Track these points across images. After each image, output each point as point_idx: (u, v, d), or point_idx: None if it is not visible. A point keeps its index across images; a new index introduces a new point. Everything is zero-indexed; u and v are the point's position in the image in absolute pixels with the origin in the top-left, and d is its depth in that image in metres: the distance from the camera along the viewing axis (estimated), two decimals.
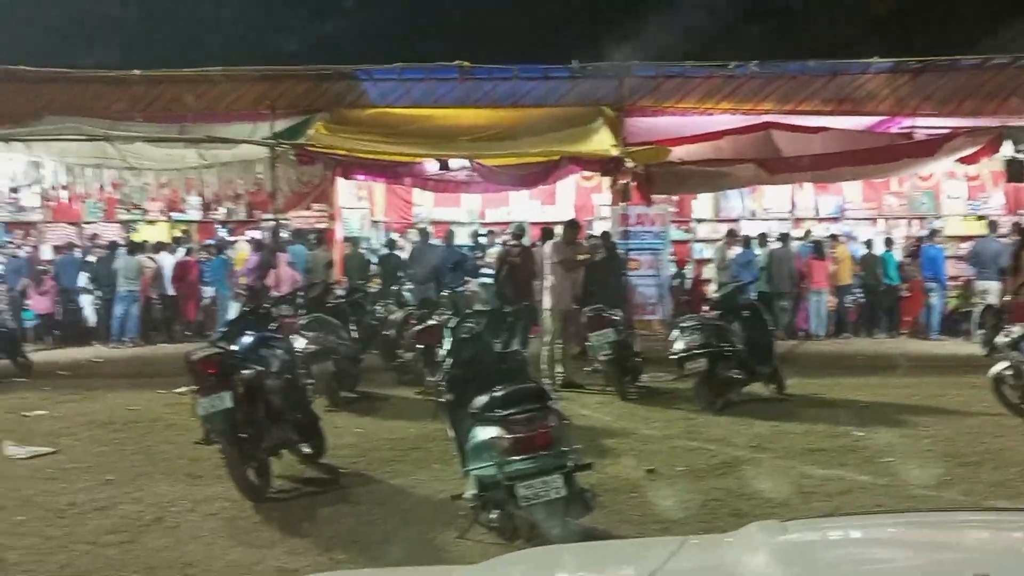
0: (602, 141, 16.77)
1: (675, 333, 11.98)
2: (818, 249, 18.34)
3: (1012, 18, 23.45)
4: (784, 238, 18.37)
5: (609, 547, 3.40)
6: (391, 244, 18.74)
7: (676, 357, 11.74)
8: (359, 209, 20.14)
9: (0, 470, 8.99)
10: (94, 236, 19.80)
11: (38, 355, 16.10)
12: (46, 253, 19.51)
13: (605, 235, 15.27)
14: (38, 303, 18.32)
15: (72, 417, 11.51)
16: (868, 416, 10.91)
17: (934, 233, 19.11)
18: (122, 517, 7.46)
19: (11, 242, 19.53)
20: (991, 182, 19.66)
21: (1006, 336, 10.25)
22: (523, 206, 20.62)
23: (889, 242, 19.11)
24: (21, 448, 9.69)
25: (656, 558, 2.09)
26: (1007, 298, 12.70)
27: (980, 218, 19.82)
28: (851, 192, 20.52)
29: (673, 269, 18.58)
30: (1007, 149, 15.50)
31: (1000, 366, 10.36)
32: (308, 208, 19.47)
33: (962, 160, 16.63)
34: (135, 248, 18.60)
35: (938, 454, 9.11)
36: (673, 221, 18.96)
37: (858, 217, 20.56)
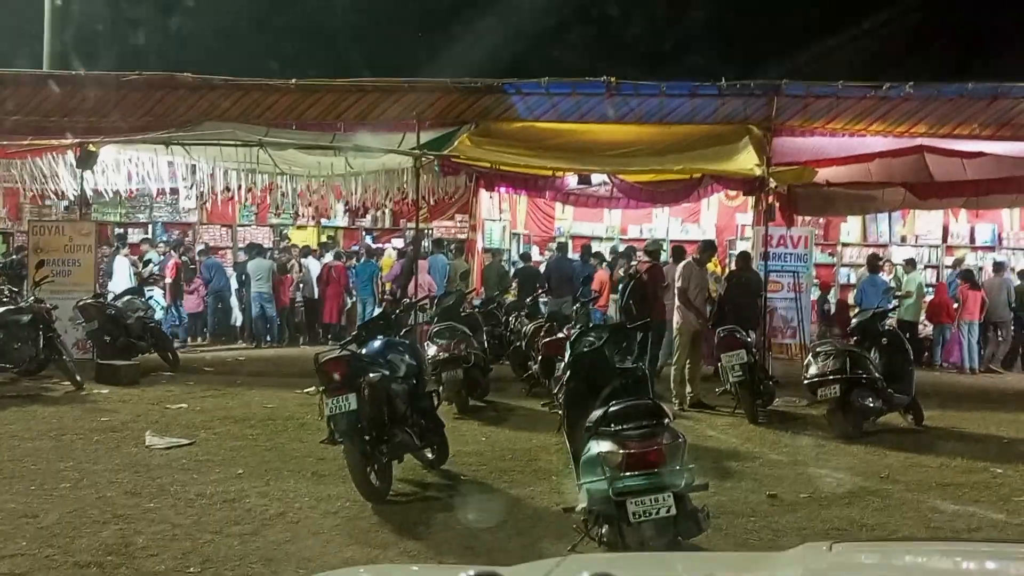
0: (746, 160, 16.53)
1: (810, 358, 11.74)
2: (968, 276, 17.68)
3: None
4: (999, 267, 18.26)
5: (661, 559, 3.37)
6: (527, 257, 18.85)
7: (809, 382, 11.50)
8: (500, 221, 20.32)
9: (139, 459, 9.40)
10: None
11: (186, 352, 16.75)
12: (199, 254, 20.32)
13: (743, 255, 15.04)
14: (188, 302, 19.08)
15: (211, 412, 11.95)
16: (1010, 452, 10.47)
17: None
18: (247, 510, 7.70)
19: (164, 241, 20.40)
20: None
21: None
22: (665, 223, 20.52)
23: None
24: (161, 439, 10.11)
25: (703, 571, 2.08)
26: None
27: None
28: (1009, 220, 19.71)
29: (817, 293, 18.27)
30: None
31: None
32: (451, 218, 19.79)
33: None
34: (262, 251, 19.24)
35: None
36: (818, 244, 18.56)
37: (1016, 247, 19.72)
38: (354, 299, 19.56)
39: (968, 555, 2.62)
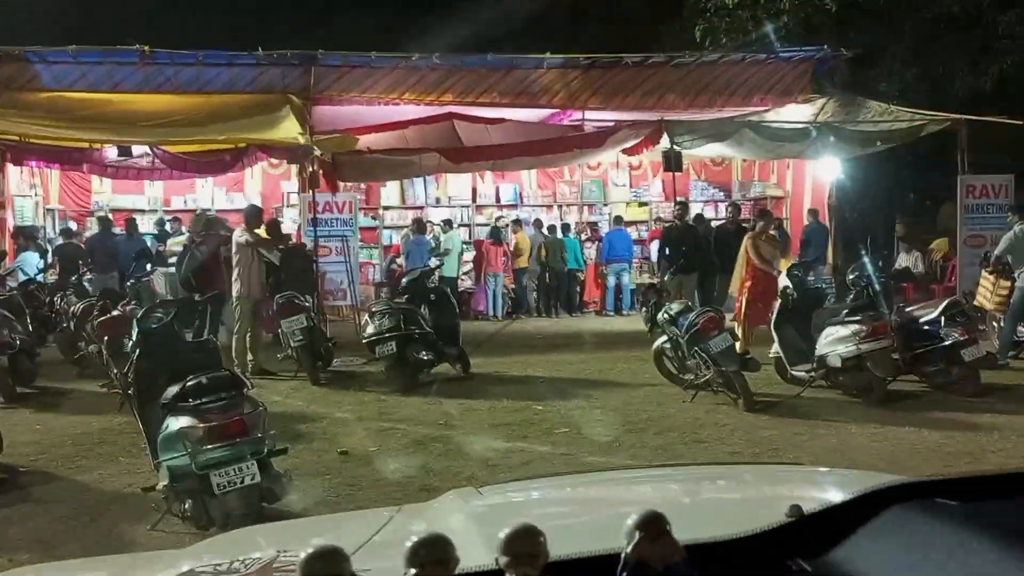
0: (289, 129, 16.77)
1: (366, 318, 12.32)
2: (495, 234, 19.22)
3: (669, 19, 25.53)
4: (552, 229, 20.18)
5: (324, 521, 3.59)
6: (68, 233, 17.88)
7: (367, 341, 12.09)
8: (32, 197, 19.06)
9: None
10: None
11: None
12: None
13: (272, 222, 15.31)
14: None
15: None
16: (546, 391, 11.63)
17: (620, 219, 20.49)
18: None
19: None
20: (651, 171, 21.42)
21: (665, 314, 11.23)
22: (209, 193, 20.27)
23: (567, 228, 20.32)
24: None
25: (370, 528, 2.32)
26: (665, 279, 13.84)
27: (642, 204, 21.47)
28: (528, 180, 21.61)
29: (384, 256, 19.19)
30: (665, 141, 16.81)
31: (660, 340, 11.37)
32: None
33: (626, 151, 17.88)
34: None
35: (608, 422, 9.90)
36: (362, 209, 19.21)
37: (535, 204, 21.67)
38: None
39: (596, 483, 3.15)
